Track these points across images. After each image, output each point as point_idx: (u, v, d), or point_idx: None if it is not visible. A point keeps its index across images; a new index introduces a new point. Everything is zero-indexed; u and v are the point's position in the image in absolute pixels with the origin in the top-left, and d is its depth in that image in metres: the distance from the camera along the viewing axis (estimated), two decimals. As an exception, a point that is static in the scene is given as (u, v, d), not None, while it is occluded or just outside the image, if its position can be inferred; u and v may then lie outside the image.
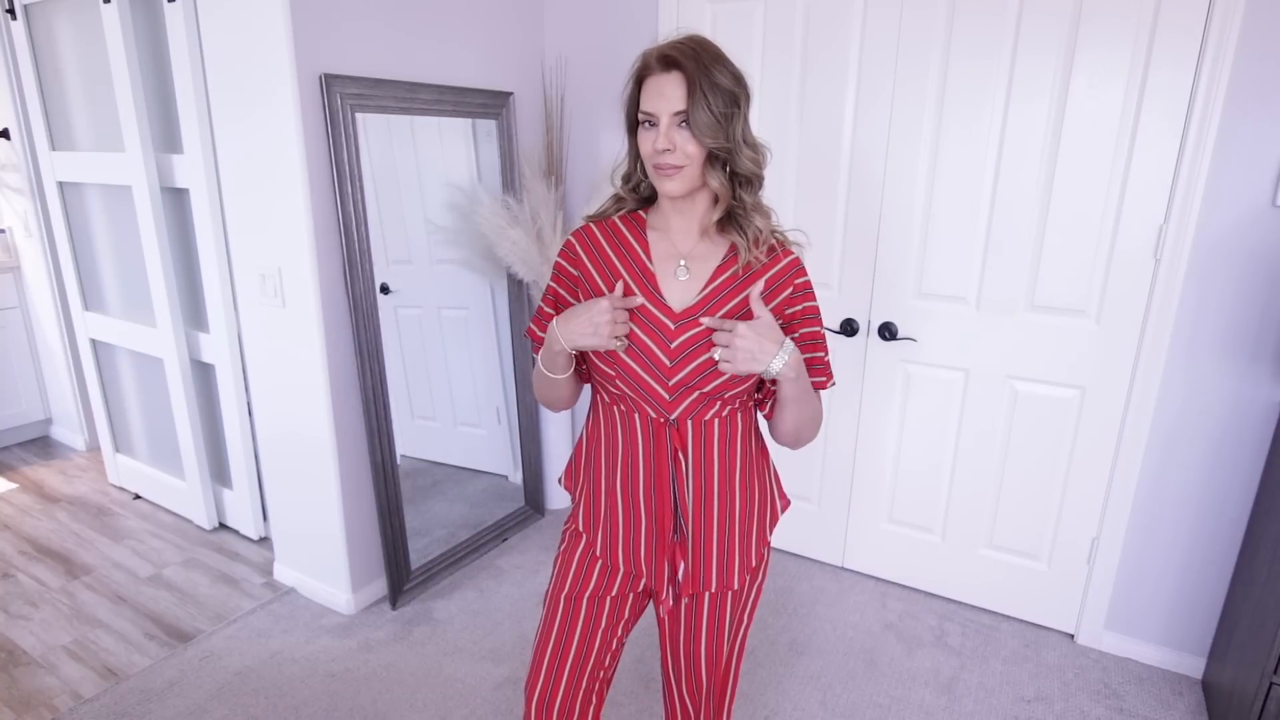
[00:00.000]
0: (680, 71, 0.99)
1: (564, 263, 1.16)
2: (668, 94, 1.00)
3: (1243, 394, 1.90)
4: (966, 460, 2.30)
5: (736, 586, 1.19)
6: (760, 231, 1.08)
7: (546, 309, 1.19)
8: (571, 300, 1.17)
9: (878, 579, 2.54)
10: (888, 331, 2.29)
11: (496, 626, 2.26)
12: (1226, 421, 1.93)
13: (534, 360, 1.20)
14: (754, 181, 1.07)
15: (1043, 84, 1.96)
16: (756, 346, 1.01)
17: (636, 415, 1.11)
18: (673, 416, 1.09)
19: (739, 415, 1.14)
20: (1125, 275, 1.97)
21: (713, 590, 1.18)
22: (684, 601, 1.20)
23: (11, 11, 2.75)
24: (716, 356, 1.03)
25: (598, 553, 1.20)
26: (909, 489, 2.42)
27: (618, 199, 1.17)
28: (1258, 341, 1.86)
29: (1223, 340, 1.90)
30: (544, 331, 1.18)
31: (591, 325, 1.04)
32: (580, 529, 1.22)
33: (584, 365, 1.18)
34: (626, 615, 1.23)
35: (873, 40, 2.13)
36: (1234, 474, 1.95)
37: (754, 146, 1.06)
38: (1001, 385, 2.20)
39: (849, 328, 2.35)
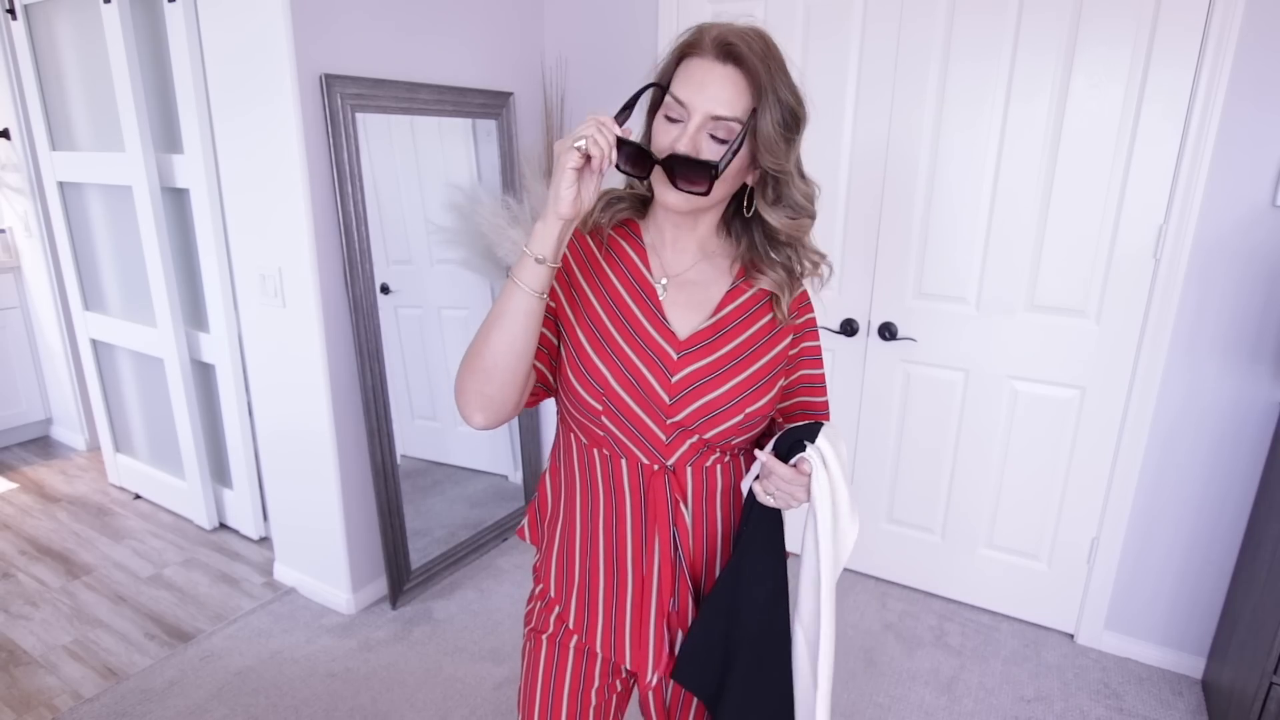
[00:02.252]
0: (741, 69, 0.80)
1: None
2: (711, 90, 0.80)
3: (1243, 394, 1.90)
4: (966, 460, 2.30)
5: None
6: (807, 269, 0.94)
7: None
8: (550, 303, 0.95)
9: (878, 579, 2.54)
10: (888, 331, 2.28)
11: (496, 626, 2.26)
12: (1226, 421, 1.93)
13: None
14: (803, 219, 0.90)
15: (1043, 83, 1.96)
16: (791, 494, 0.89)
17: (624, 460, 0.93)
18: (670, 462, 0.92)
19: (743, 458, 0.99)
20: (1125, 275, 1.97)
21: None
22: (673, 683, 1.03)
23: (11, 11, 2.75)
24: (758, 490, 0.90)
25: (571, 625, 1.01)
26: (909, 489, 2.42)
27: (609, 202, 0.98)
28: (1258, 341, 1.86)
29: (1223, 340, 1.90)
30: None
31: (559, 167, 0.78)
32: (551, 594, 1.03)
33: (553, 383, 0.97)
34: (614, 704, 1.05)
35: (873, 40, 2.13)
36: (1234, 474, 1.95)
37: (806, 179, 0.88)
38: (1001, 385, 2.20)
39: (849, 328, 2.35)
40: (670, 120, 0.84)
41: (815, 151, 2.27)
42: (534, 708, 1.01)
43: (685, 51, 0.84)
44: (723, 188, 0.85)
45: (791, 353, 0.98)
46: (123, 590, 2.42)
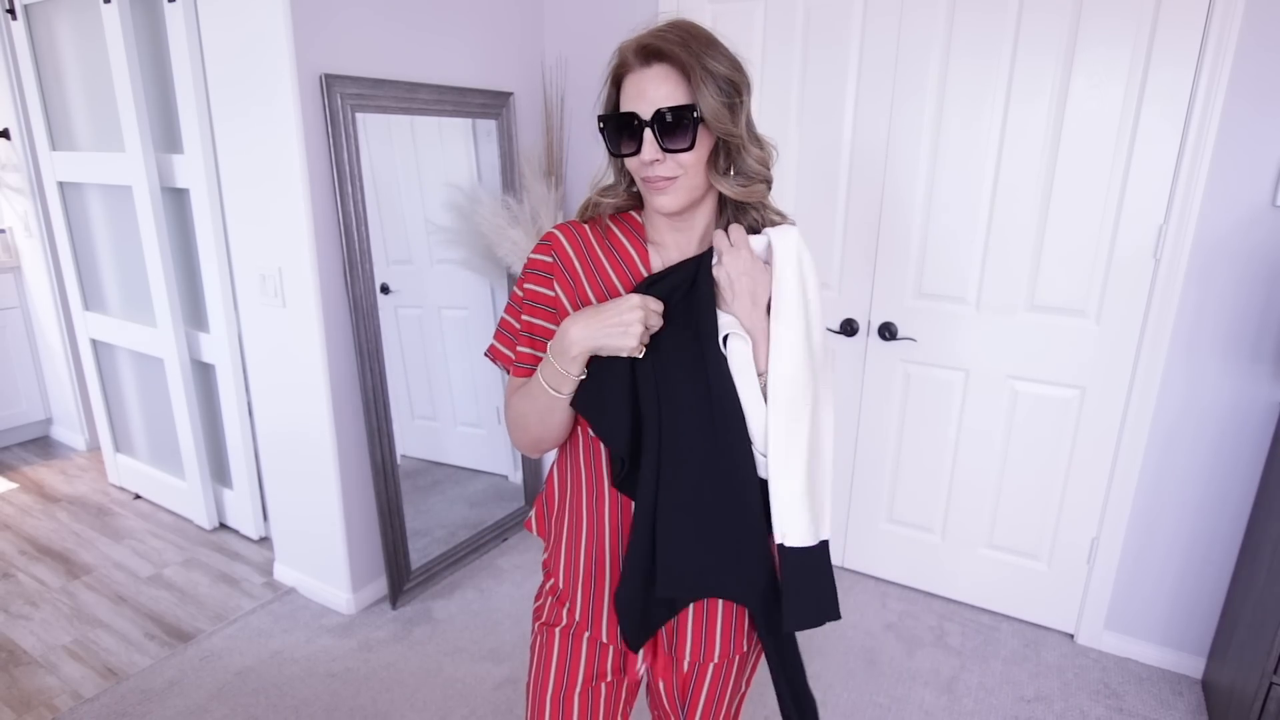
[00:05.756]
0: (667, 63, 0.84)
1: (536, 288, 0.97)
2: (649, 93, 0.84)
3: (1243, 394, 1.90)
4: (966, 460, 2.30)
5: (745, 650, 1.04)
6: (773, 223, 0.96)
7: (524, 338, 0.98)
8: (550, 326, 0.96)
9: (878, 579, 2.54)
10: (888, 331, 2.29)
11: (496, 626, 2.26)
12: (1226, 421, 1.93)
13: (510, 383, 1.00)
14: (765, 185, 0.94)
15: (1043, 83, 1.96)
16: (751, 275, 0.89)
17: None
18: None
19: None
20: (1125, 275, 1.97)
21: (715, 661, 1.02)
22: (682, 671, 1.05)
23: (11, 11, 2.75)
24: (719, 279, 0.89)
25: (578, 618, 1.02)
26: (909, 489, 2.42)
27: (603, 192, 0.99)
28: (1258, 341, 1.86)
29: (1223, 340, 1.90)
30: (511, 351, 1.00)
31: (620, 324, 0.85)
32: (560, 585, 1.04)
33: None
34: (624, 696, 1.06)
35: (873, 39, 2.13)
36: (1234, 474, 1.95)
37: (760, 143, 0.91)
38: (1001, 385, 2.20)
39: (849, 328, 2.35)
40: (622, 138, 0.87)
41: (815, 151, 2.29)
42: (545, 700, 1.02)
43: (618, 74, 0.88)
44: (699, 166, 0.88)
45: None
46: (123, 590, 2.42)
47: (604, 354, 0.88)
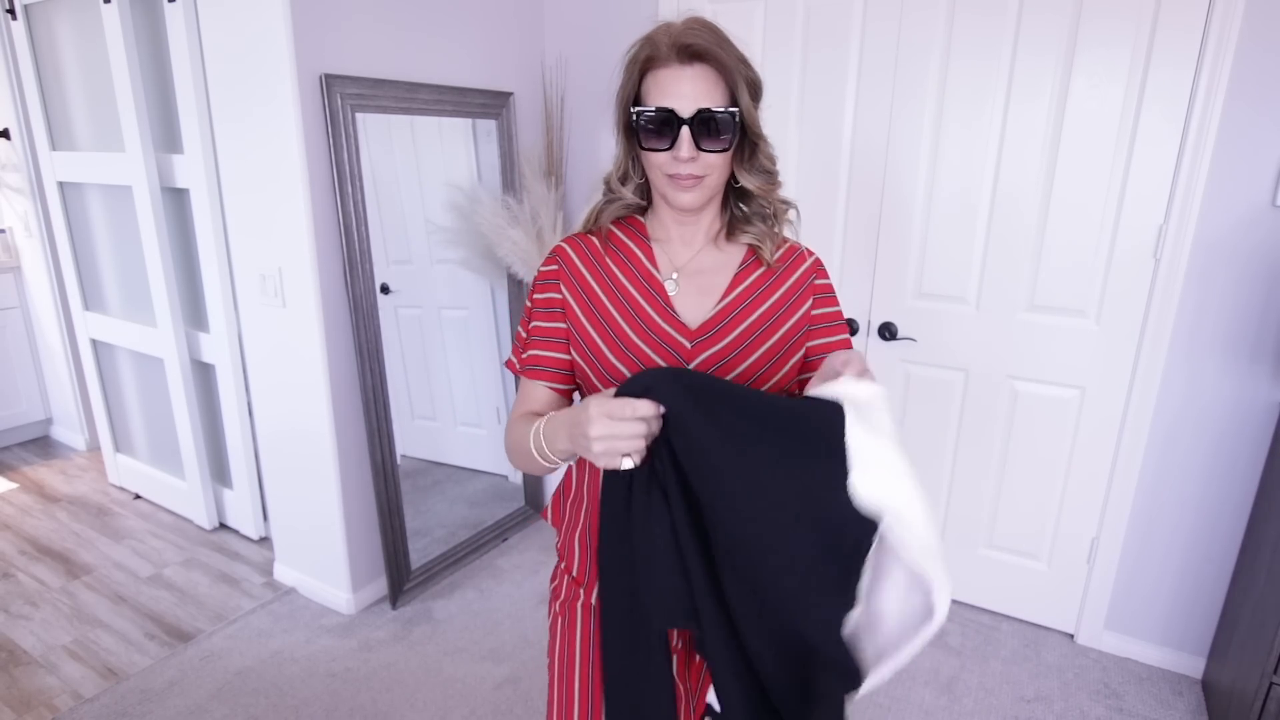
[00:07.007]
0: (707, 63, 0.85)
1: (544, 295, 0.99)
2: (690, 92, 0.85)
3: (1243, 394, 1.90)
4: (966, 460, 2.30)
5: None
6: (776, 219, 0.98)
7: (531, 342, 1.00)
8: (558, 326, 0.98)
9: (878, 579, 2.54)
10: (888, 331, 2.29)
11: (496, 626, 2.26)
12: (1226, 421, 1.93)
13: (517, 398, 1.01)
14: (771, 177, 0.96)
15: (1043, 83, 1.96)
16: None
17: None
18: None
19: None
20: (1125, 275, 1.97)
21: None
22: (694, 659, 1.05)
23: (11, 11, 2.75)
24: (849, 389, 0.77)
25: (595, 603, 1.03)
26: (909, 489, 2.41)
27: (608, 202, 1.00)
28: (1258, 341, 1.86)
29: (1223, 340, 1.90)
30: (525, 363, 1.01)
31: (609, 443, 0.76)
32: (574, 573, 1.06)
33: (573, 386, 1.02)
34: None
35: (873, 40, 2.13)
36: (1234, 474, 1.95)
37: (767, 140, 0.94)
38: (1001, 385, 2.20)
39: (849, 328, 2.34)
40: (656, 133, 0.87)
41: (815, 151, 2.29)
42: (574, 673, 1.02)
43: (647, 66, 0.88)
44: (726, 165, 0.91)
45: (814, 313, 1.00)
46: (123, 590, 2.42)
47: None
